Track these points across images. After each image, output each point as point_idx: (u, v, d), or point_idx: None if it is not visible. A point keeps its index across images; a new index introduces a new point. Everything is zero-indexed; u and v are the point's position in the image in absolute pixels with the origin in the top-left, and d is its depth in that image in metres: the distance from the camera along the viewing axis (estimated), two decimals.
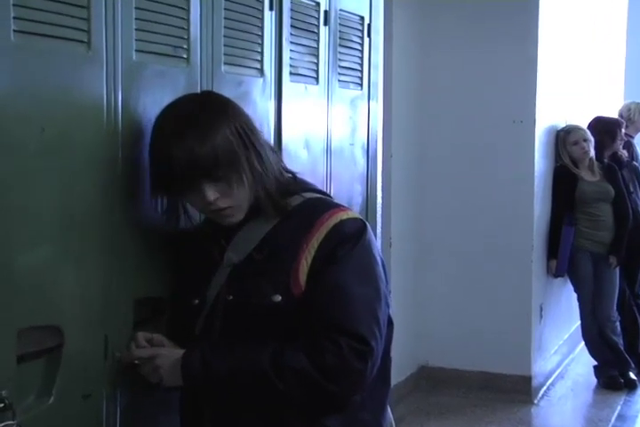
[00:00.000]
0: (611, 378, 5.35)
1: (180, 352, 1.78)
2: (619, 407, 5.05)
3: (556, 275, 5.43)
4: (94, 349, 1.77)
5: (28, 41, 1.55)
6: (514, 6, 4.97)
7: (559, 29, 5.45)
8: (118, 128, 1.78)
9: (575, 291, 5.51)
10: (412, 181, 5.13)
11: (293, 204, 1.83)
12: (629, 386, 5.34)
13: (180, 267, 1.95)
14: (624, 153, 5.82)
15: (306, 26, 2.59)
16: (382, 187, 3.26)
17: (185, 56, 1.99)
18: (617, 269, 5.41)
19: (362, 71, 3.00)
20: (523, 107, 5.02)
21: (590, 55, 6.49)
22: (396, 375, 2.01)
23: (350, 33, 2.89)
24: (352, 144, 2.95)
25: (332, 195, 2.10)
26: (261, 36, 2.32)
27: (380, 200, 3.20)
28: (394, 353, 1.91)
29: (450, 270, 5.22)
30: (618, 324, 5.45)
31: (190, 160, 1.70)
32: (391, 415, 1.98)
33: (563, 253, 5.30)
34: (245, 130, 1.77)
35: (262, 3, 2.32)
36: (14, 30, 1.51)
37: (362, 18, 2.98)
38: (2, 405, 1.52)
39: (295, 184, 1.88)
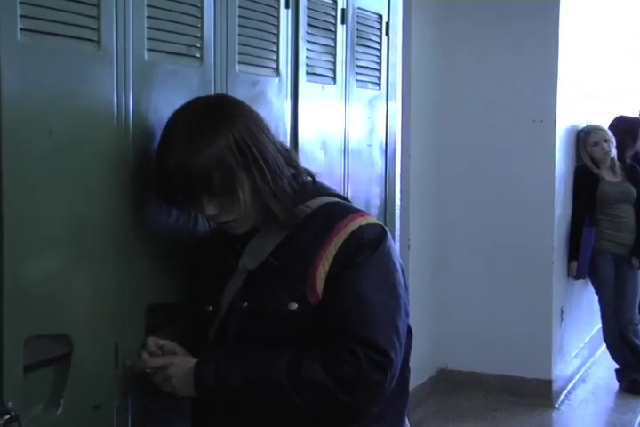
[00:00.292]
0: (633, 382, 5.29)
1: (193, 361, 1.73)
2: None
3: (577, 277, 5.37)
4: (104, 357, 1.73)
5: (36, 40, 1.51)
6: (534, 5, 4.92)
7: (580, 28, 5.40)
8: (129, 130, 1.74)
9: (596, 293, 5.45)
10: (430, 182, 5.09)
11: (310, 209, 1.78)
12: None
13: (194, 272, 1.91)
14: None
15: (323, 24, 2.54)
16: (400, 188, 3.21)
17: (198, 55, 1.94)
18: (639, 271, 5.34)
19: (380, 71, 2.95)
20: (543, 106, 4.98)
21: (611, 54, 6.43)
22: (415, 378, 1.99)
23: (368, 31, 2.84)
24: (370, 145, 2.90)
25: (349, 197, 2.06)
26: (277, 35, 2.28)
27: (398, 202, 3.15)
28: (412, 356, 1.85)
29: (469, 272, 5.18)
30: None
31: (185, 175, 1.66)
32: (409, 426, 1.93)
33: (584, 255, 5.25)
34: (247, 140, 1.69)
35: (278, 0, 2.27)
36: (21, 29, 1.47)
37: (380, 16, 2.92)
38: (8, 416, 1.47)
39: (313, 188, 1.83)
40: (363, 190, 2.84)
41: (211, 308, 1.81)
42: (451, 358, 5.24)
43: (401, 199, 3.25)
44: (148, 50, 1.78)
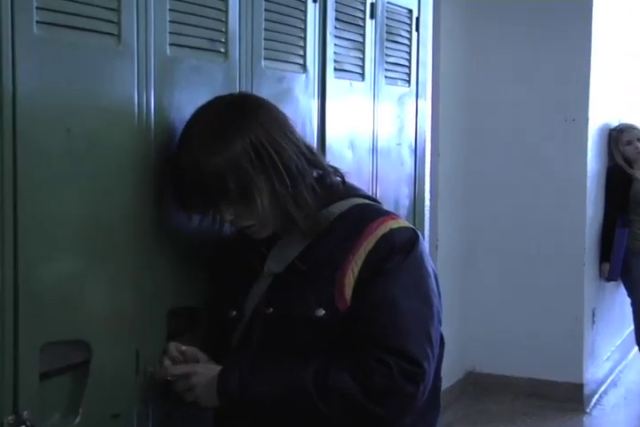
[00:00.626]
0: None
1: (217, 369, 1.67)
2: None
3: (609, 279, 5.31)
4: (124, 364, 1.68)
5: (53, 33, 1.45)
6: (567, 2, 4.86)
7: (614, 24, 5.34)
8: (150, 128, 1.69)
9: (628, 295, 5.37)
10: (459, 181, 5.06)
11: (338, 211, 1.71)
12: None
13: (217, 276, 1.85)
14: None
15: (351, 19, 2.49)
16: (430, 188, 3.14)
17: (223, 50, 1.89)
18: None
19: (410, 67, 2.90)
20: (575, 104, 4.93)
21: None
22: (443, 381, 1.93)
23: (398, 27, 2.78)
24: (399, 144, 2.85)
25: (377, 197, 1.99)
26: (304, 30, 2.22)
27: (427, 203, 3.08)
28: None
29: (498, 273, 5.14)
30: None
31: (198, 176, 1.62)
32: None
33: (616, 257, 5.18)
34: (266, 144, 1.63)
35: None
36: (37, 22, 1.42)
37: (410, 11, 2.86)
38: None
39: (342, 189, 1.76)
40: (392, 190, 2.79)
41: (234, 313, 1.76)
42: (479, 360, 5.19)
43: (430, 199, 3.19)
44: (170, 44, 1.72)
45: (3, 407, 1.41)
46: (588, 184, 4.98)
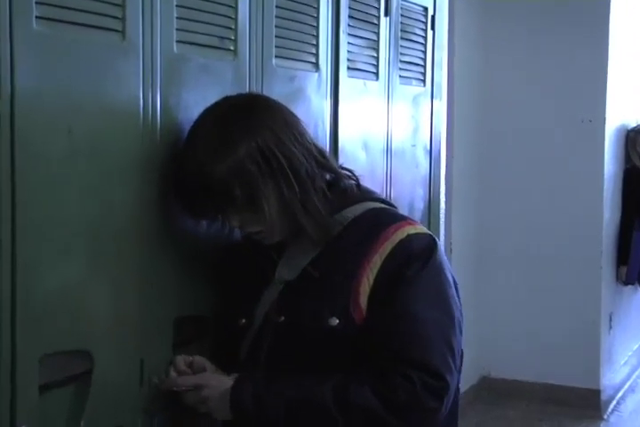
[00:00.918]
0: None
1: (229, 382, 1.60)
2: None
3: (627, 282, 5.24)
4: (128, 374, 1.62)
5: (53, 29, 1.39)
6: (584, 2, 4.80)
7: (631, 24, 5.28)
8: (156, 129, 1.63)
9: None
10: (473, 182, 5.01)
11: (352, 215, 1.65)
12: None
13: (226, 282, 1.79)
14: None
15: (365, 16, 2.44)
16: (445, 190, 3.09)
17: (232, 48, 1.84)
18: None
19: (425, 66, 2.86)
20: (592, 105, 4.86)
21: None
22: None
23: (413, 25, 2.75)
24: (414, 145, 2.81)
25: (391, 200, 1.93)
26: (317, 27, 2.18)
27: (443, 205, 3.03)
28: None
29: (513, 277, 5.07)
30: None
31: (201, 185, 1.56)
32: None
33: (634, 260, 5.12)
34: (273, 148, 1.57)
35: None
36: (37, 17, 1.36)
37: (425, 9, 2.83)
38: None
39: (356, 193, 1.70)
40: (406, 193, 2.75)
41: (244, 321, 1.70)
42: (494, 365, 5.13)
43: (445, 201, 3.14)
44: (177, 42, 1.66)
45: (0, 423, 1.35)
46: (605, 186, 4.91)
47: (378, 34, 2.51)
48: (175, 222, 1.71)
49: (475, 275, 5.01)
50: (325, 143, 2.22)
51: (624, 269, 5.15)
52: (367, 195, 1.72)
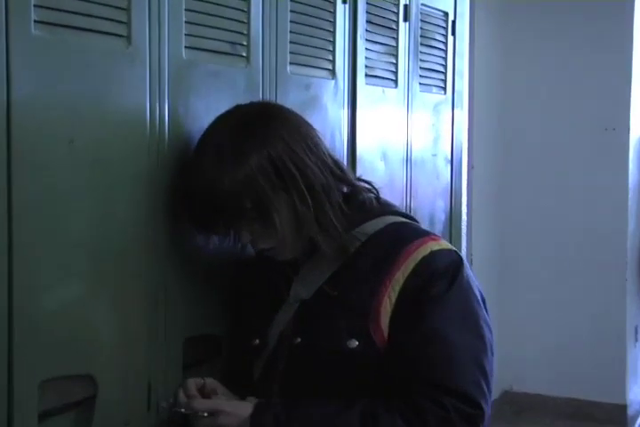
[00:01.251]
0: None
1: (247, 409, 1.52)
2: None
3: None
4: (135, 399, 1.57)
5: (53, 34, 1.35)
6: (607, 5, 4.76)
7: None
8: (164, 140, 1.59)
9: None
10: (494, 193, 4.97)
11: (371, 230, 1.59)
12: None
13: (238, 301, 1.75)
14: None
15: (384, 22, 2.42)
16: (466, 201, 3.04)
17: (244, 54, 1.80)
18: None
19: (445, 73, 2.84)
20: (615, 113, 4.82)
21: None
22: None
23: (433, 30, 2.73)
24: (434, 155, 2.78)
25: (411, 211, 1.86)
26: (333, 33, 2.15)
27: (464, 217, 2.96)
28: None
29: (535, 289, 5.02)
30: None
31: (210, 197, 1.52)
32: None
33: None
34: (286, 160, 1.52)
35: None
36: (35, 21, 1.32)
37: (446, 14, 2.81)
38: None
39: (375, 206, 1.63)
40: (427, 204, 2.72)
41: (257, 341, 1.65)
42: (516, 379, 5.06)
43: (466, 213, 3.08)
44: (186, 47, 1.63)
45: None
46: (630, 196, 4.87)
47: (397, 40, 2.49)
48: (183, 238, 1.66)
49: (496, 287, 4.97)
50: (342, 154, 2.19)
51: None
52: (387, 208, 1.66)
